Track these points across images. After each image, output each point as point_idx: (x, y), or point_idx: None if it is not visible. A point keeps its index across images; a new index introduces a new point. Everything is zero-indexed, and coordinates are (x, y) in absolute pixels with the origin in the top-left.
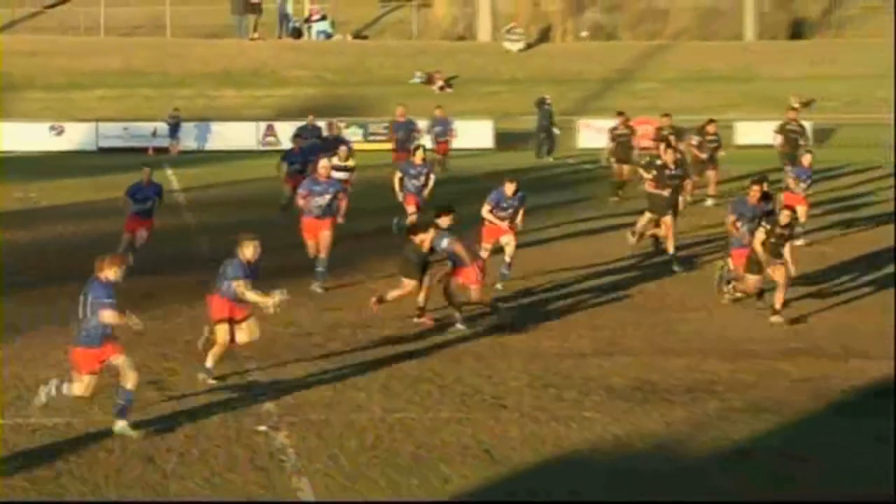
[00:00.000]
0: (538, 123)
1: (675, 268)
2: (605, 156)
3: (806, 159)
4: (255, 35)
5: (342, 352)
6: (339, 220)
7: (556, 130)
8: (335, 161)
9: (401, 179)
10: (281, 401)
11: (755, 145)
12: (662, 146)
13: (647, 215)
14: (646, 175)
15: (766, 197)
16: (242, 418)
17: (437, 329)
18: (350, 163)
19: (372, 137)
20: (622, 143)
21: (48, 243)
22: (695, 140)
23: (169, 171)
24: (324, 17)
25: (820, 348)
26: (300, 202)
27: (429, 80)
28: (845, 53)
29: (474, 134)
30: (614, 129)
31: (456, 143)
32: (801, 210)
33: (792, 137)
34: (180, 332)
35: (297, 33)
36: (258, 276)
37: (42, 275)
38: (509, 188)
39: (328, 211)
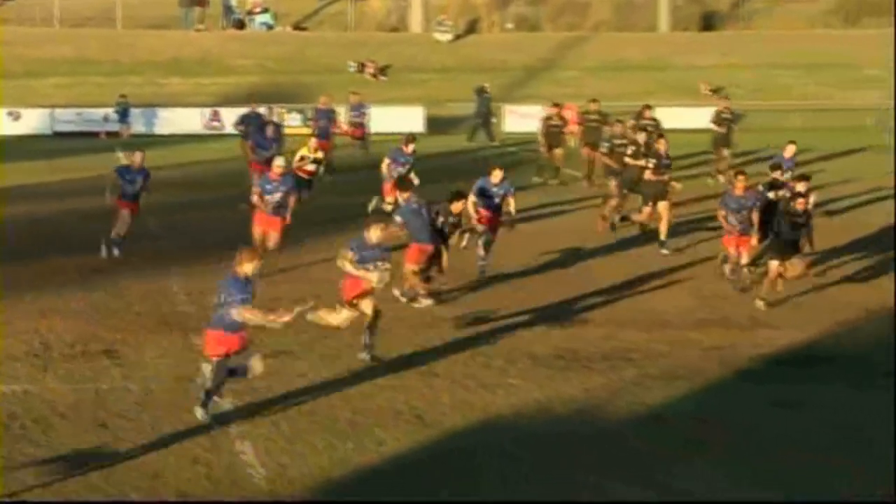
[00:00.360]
0: (476, 109)
1: (664, 251)
2: (541, 142)
3: (789, 150)
4: (201, 26)
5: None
6: (287, 219)
7: (492, 119)
8: (304, 153)
9: (388, 165)
10: None
11: (668, 130)
12: (655, 136)
13: (643, 203)
14: (633, 162)
15: (803, 178)
16: (189, 386)
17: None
18: (318, 154)
19: (311, 122)
20: (554, 132)
21: (8, 221)
22: (629, 125)
23: (120, 154)
24: (266, 10)
25: (729, 319)
26: (255, 199)
27: (360, 69)
28: (752, 44)
29: (406, 119)
30: (548, 118)
31: (388, 128)
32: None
33: (725, 125)
34: (130, 305)
35: (240, 25)
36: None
37: (2, 250)
38: (496, 176)
39: (279, 210)
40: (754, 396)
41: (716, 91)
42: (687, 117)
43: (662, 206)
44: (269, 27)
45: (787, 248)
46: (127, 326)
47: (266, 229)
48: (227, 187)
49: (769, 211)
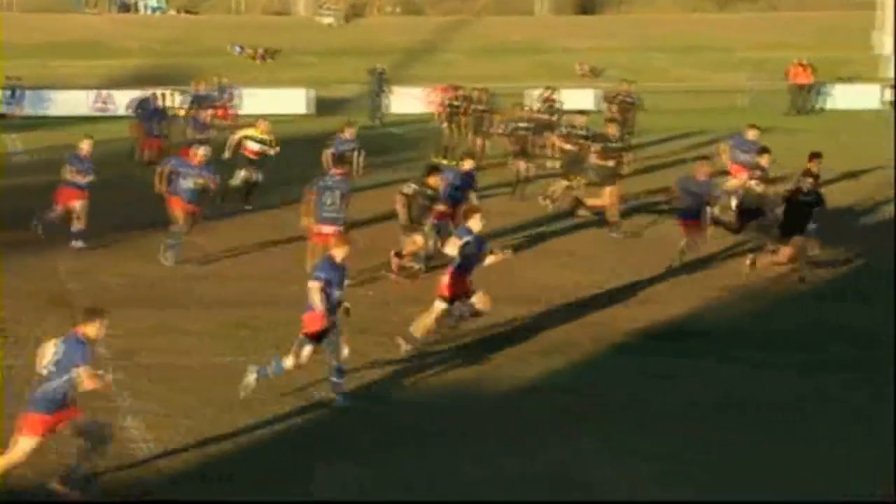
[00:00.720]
0: (373, 90)
1: (613, 234)
2: (440, 120)
3: (752, 133)
4: (91, 11)
5: (171, 302)
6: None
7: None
8: (253, 133)
9: (332, 155)
10: (114, 347)
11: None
12: (605, 121)
13: (563, 182)
14: (566, 146)
15: (816, 156)
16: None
17: (257, 279)
18: (266, 136)
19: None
20: (454, 113)
21: None
22: (535, 107)
23: (13, 136)
24: None
25: (606, 294)
26: (176, 180)
27: (243, 52)
28: (629, 27)
29: (290, 101)
30: (452, 100)
31: (274, 110)
32: (735, 183)
33: (624, 108)
34: (20, 284)
35: (129, 8)
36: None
37: None
38: (467, 164)
39: (195, 195)
40: (629, 369)
41: (595, 74)
42: (566, 99)
43: (610, 190)
44: (159, 10)
45: (795, 231)
46: (16, 304)
47: (186, 213)
48: (117, 168)
49: (757, 207)
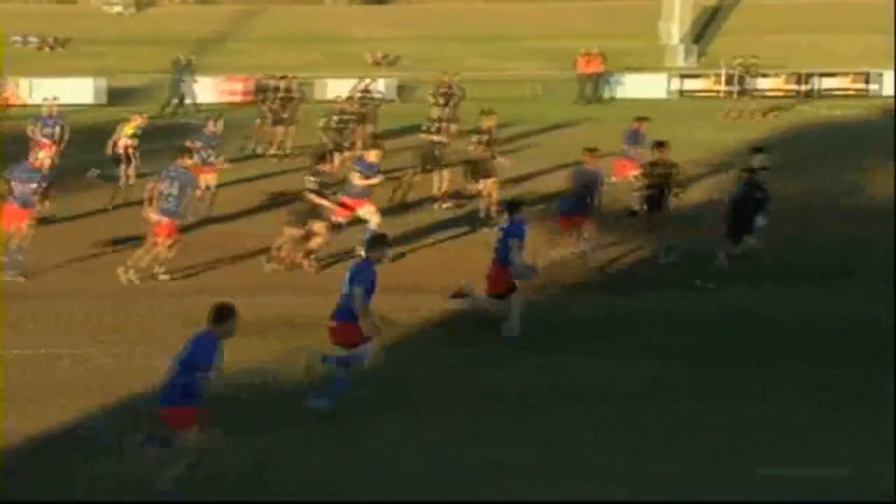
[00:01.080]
0: (174, 79)
1: (486, 229)
2: (261, 111)
3: (637, 125)
4: None
5: None
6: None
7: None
8: (128, 129)
9: (199, 149)
10: None
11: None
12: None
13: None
14: (436, 139)
15: (759, 150)
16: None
17: (81, 271)
18: (135, 131)
19: None
20: (282, 104)
21: None
22: (345, 100)
23: None
24: None
25: (418, 285)
26: (14, 185)
27: (27, 42)
28: (419, 17)
29: (79, 91)
30: (278, 89)
31: (63, 100)
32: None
33: (447, 101)
34: None
35: None
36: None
37: None
38: (372, 155)
39: (29, 201)
40: (444, 357)
41: (386, 62)
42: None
43: (489, 182)
44: None
45: (745, 225)
46: None
47: (18, 223)
48: None
49: (660, 194)
